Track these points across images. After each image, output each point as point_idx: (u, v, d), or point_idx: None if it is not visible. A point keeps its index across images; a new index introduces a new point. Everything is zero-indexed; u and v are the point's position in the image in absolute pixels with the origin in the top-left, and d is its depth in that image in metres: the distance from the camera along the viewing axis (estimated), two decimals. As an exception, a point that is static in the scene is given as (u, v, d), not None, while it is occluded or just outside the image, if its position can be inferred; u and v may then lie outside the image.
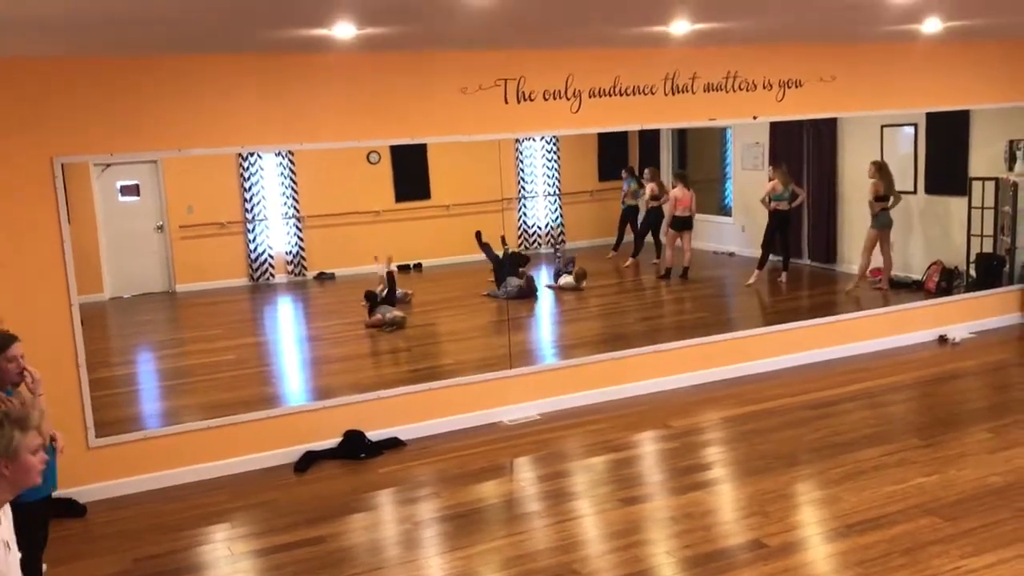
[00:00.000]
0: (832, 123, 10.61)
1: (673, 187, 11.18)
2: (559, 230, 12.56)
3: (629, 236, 11.98)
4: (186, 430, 6.09)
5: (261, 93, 5.95)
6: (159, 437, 6.01)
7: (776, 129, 11.21)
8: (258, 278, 11.61)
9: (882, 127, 10.07)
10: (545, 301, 11.16)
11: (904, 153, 9.98)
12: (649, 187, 11.55)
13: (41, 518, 4.05)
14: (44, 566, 4.32)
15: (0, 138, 5.36)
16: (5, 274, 5.42)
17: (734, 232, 12.15)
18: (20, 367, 3.86)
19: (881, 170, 9.66)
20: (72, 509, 5.51)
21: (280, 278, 11.67)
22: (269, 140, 6.11)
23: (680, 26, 5.60)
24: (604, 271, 11.59)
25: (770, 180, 10.62)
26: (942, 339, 8.53)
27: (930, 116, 9.48)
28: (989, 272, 9.21)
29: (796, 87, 7.53)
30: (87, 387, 5.73)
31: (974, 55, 8.13)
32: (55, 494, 4.19)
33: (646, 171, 11.80)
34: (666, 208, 11.27)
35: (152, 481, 5.90)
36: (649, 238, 11.77)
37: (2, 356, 3.81)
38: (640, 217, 11.85)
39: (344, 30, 4.92)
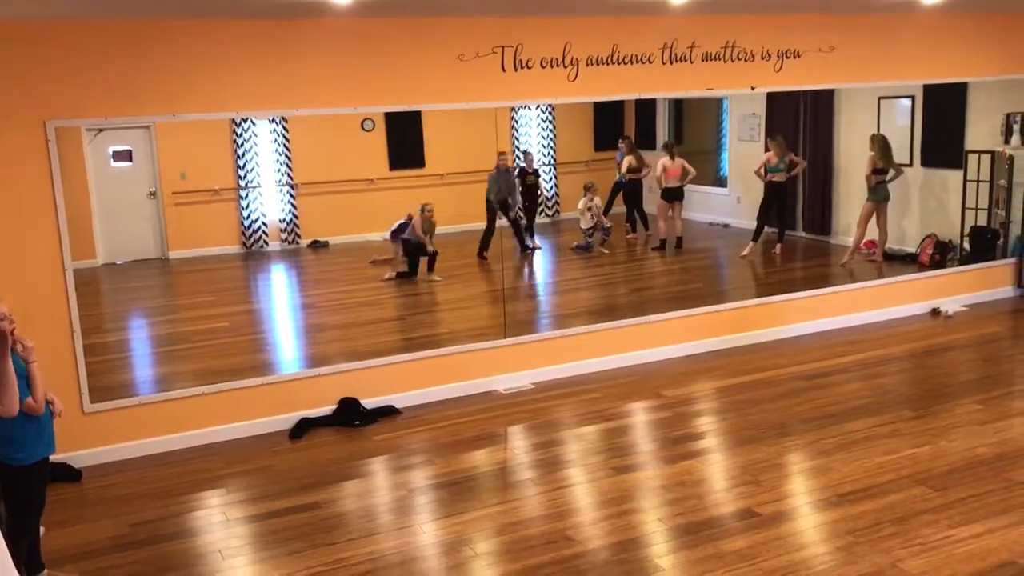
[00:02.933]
0: (829, 95, 10.56)
1: (663, 158, 11.14)
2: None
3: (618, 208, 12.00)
4: (181, 396, 6.09)
5: (256, 58, 5.89)
6: (154, 403, 6.02)
7: (773, 100, 11.15)
8: (251, 245, 11.55)
9: (879, 99, 10.04)
10: (540, 270, 11.18)
11: (901, 125, 9.96)
12: (626, 160, 11.50)
13: (39, 480, 4.07)
14: (42, 528, 4.35)
15: (-8, 101, 5.31)
16: (-2, 239, 5.39)
17: (729, 203, 12.13)
18: (13, 324, 3.85)
19: (879, 143, 9.64)
20: (67, 473, 5.53)
21: (273, 245, 11.61)
22: (264, 105, 6.06)
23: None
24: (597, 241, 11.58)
25: (767, 151, 10.59)
26: (935, 312, 8.56)
27: (927, 88, 9.45)
28: (983, 245, 9.23)
29: (794, 58, 7.49)
30: (82, 352, 5.73)
31: (973, 27, 8.09)
32: (51, 458, 4.21)
33: (621, 142, 11.73)
34: (656, 179, 11.24)
35: (147, 447, 5.92)
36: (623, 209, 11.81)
37: None
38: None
39: (341, -6, 4.87)
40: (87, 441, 5.73)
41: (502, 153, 10.40)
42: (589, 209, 11.00)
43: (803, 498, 4.95)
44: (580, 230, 11.16)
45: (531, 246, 10.92)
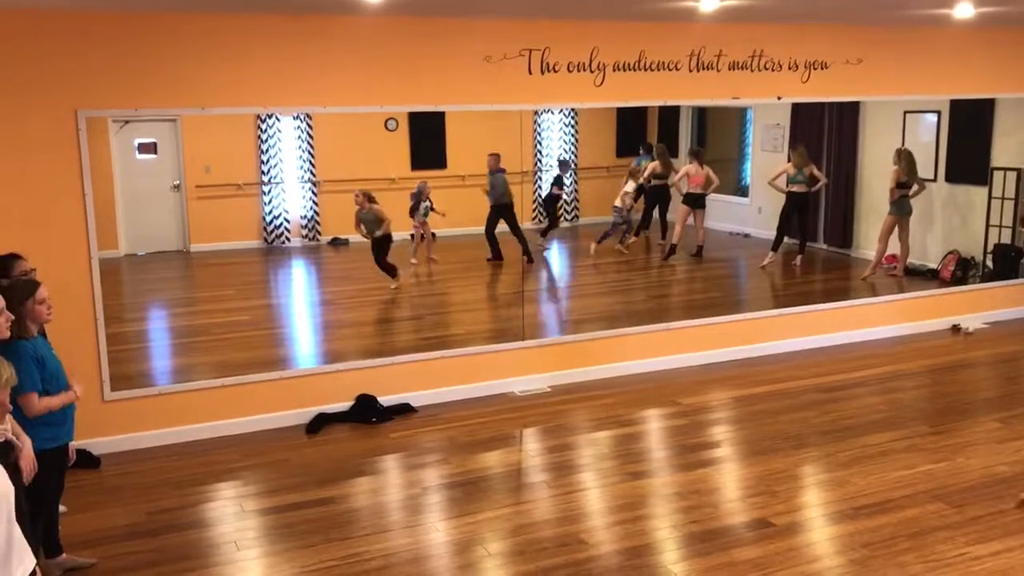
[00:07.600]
0: (854, 107, 10.53)
1: (689, 164, 11.13)
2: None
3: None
4: (200, 387, 6.14)
5: (285, 54, 5.93)
6: (174, 393, 6.06)
7: (798, 111, 11.13)
8: (272, 241, 11.64)
9: (905, 113, 10.00)
10: (559, 275, 11.18)
11: (926, 140, 9.90)
12: (651, 165, 11.46)
13: (58, 466, 4.13)
14: (63, 507, 4.42)
15: (25, 91, 5.37)
16: (28, 227, 5.44)
17: (750, 213, 12.10)
18: (50, 308, 4.05)
19: (905, 158, 9.59)
20: (86, 460, 5.57)
21: (294, 242, 11.71)
22: (291, 102, 6.10)
23: (709, 1, 5.55)
24: (614, 248, 11.57)
25: (789, 162, 10.56)
26: (955, 328, 8.50)
27: (954, 103, 9.40)
28: (1006, 263, 9.17)
29: (822, 69, 7.46)
30: (104, 341, 5.78)
31: (1003, 43, 8.03)
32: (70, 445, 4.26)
33: (652, 149, 11.70)
34: (675, 184, 11.23)
35: (165, 436, 5.96)
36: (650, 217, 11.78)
37: (33, 300, 3.98)
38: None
39: (372, -7, 4.90)
40: (106, 429, 5.78)
41: (493, 154, 10.33)
42: (627, 194, 10.97)
43: (818, 510, 4.94)
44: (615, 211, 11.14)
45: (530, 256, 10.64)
